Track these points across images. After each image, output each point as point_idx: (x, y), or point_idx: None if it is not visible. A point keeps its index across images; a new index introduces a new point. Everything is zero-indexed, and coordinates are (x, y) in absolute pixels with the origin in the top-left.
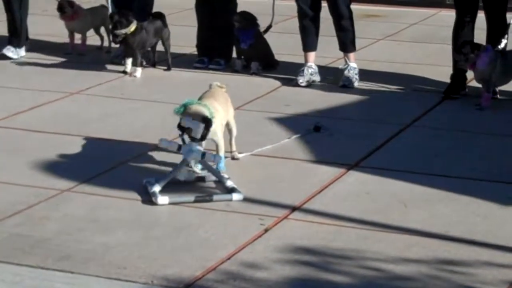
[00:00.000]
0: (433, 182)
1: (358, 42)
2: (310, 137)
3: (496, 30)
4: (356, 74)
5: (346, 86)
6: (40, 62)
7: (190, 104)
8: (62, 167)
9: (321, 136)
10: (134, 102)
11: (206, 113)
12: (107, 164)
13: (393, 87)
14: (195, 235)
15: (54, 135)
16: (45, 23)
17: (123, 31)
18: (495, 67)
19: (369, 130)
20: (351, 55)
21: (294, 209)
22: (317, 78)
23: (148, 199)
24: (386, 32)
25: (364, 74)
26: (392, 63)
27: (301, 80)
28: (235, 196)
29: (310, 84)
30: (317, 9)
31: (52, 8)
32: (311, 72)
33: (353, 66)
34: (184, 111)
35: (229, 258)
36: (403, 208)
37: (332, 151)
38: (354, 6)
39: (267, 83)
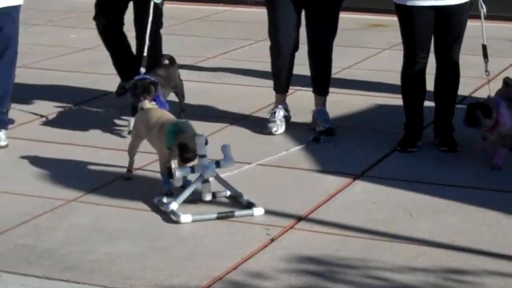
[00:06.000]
0: (439, 191)
1: (364, 52)
2: (316, 147)
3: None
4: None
5: (326, 133)
6: (44, 73)
7: (182, 132)
8: (67, 177)
9: (327, 145)
10: None
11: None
12: (112, 174)
13: (399, 97)
14: (200, 245)
15: (59, 145)
16: (50, 32)
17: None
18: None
19: (375, 140)
20: (325, 98)
21: (300, 219)
22: (288, 114)
23: (155, 209)
24: (392, 42)
25: (370, 84)
26: (398, 73)
27: (275, 129)
28: (256, 211)
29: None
30: (295, 47)
31: (57, 19)
32: (283, 114)
33: (325, 110)
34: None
35: (235, 268)
36: (409, 218)
37: (338, 161)
38: (359, 16)
39: (271, 93)
